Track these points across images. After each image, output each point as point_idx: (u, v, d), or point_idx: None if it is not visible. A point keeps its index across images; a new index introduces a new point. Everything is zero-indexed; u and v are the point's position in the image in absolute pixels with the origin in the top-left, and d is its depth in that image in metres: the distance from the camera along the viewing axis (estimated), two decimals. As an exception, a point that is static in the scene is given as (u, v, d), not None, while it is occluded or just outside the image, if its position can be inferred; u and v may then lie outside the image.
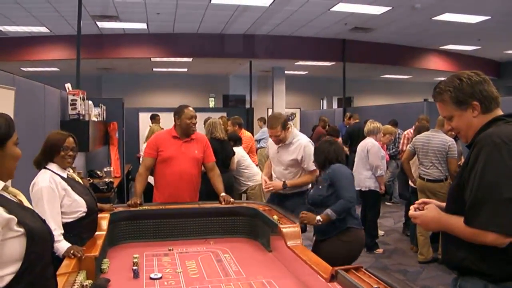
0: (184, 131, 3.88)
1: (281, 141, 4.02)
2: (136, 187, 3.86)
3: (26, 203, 1.61)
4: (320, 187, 3.38)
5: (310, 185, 4.17)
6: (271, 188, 4.08)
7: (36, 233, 1.47)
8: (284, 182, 3.97)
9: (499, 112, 1.79)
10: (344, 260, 3.11)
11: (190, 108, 3.92)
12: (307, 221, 3.14)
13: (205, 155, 3.98)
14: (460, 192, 1.72)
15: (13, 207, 1.47)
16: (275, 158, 4.16)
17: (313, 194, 3.44)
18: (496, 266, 1.66)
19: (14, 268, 1.41)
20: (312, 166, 3.87)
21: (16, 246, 1.42)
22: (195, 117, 3.91)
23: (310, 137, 5.42)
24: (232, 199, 3.71)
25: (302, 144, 3.99)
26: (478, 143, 1.69)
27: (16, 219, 1.42)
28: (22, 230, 1.43)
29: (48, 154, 2.69)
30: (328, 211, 3.14)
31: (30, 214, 1.55)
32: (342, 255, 3.10)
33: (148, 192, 4.30)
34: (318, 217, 3.14)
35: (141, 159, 4.25)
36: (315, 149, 3.54)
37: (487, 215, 1.59)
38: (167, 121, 7.50)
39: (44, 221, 1.61)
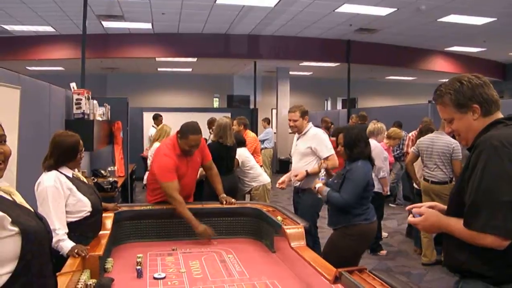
0: (183, 152, 3.63)
1: (298, 129, 4.35)
2: (187, 215, 3.38)
3: (20, 201, 1.60)
4: (335, 181, 3.41)
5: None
6: (298, 179, 4.25)
7: (32, 232, 1.46)
8: (306, 171, 4.20)
9: (500, 115, 1.80)
10: (347, 253, 3.21)
11: (195, 137, 3.55)
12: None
13: (203, 156, 3.90)
14: (461, 195, 1.73)
15: (6, 206, 1.46)
16: (294, 151, 4.49)
17: (331, 184, 3.45)
18: (497, 269, 1.66)
19: (10, 267, 1.41)
20: (327, 153, 4.19)
21: (11, 245, 1.41)
22: (197, 146, 3.61)
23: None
24: (233, 200, 3.69)
25: (314, 133, 4.34)
26: (478, 146, 1.70)
27: (9, 218, 1.41)
28: (16, 229, 1.42)
29: (65, 159, 2.68)
30: (326, 191, 3.34)
31: (25, 212, 1.54)
32: (345, 248, 3.23)
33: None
34: (318, 185, 3.47)
35: (148, 164, 4.12)
36: (354, 139, 3.32)
37: (485, 218, 1.60)
38: (170, 120, 7.54)
39: (41, 219, 1.61)
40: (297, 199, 4.46)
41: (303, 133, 4.37)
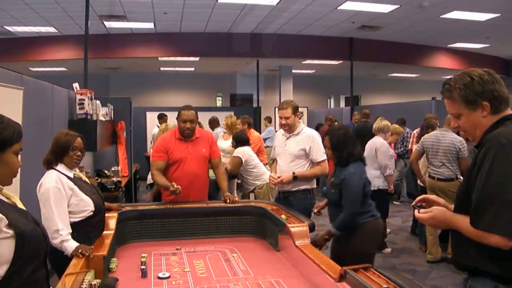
0: (182, 134, 3.80)
1: (289, 127, 3.95)
2: (161, 182, 3.69)
3: (20, 205, 1.60)
4: (332, 191, 3.25)
5: (315, 182, 4.10)
6: (280, 181, 3.83)
7: (27, 236, 1.46)
8: (294, 173, 3.82)
9: (509, 111, 1.77)
10: (359, 254, 2.99)
11: (186, 112, 3.76)
12: (319, 246, 3.06)
13: (211, 151, 3.92)
14: (468, 193, 1.71)
15: (5, 208, 1.46)
16: (281, 152, 4.03)
17: (327, 193, 3.34)
18: (506, 267, 1.64)
19: (1, 271, 1.41)
20: (321, 157, 3.87)
21: (4, 248, 1.41)
22: (190, 121, 3.75)
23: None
24: (237, 199, 3.69)
25: (310, 134, 3.96)
26: (485, 143, 1.67)
27: (6, 220, 1.41)
28: (11, 232, 1.42)
29: (58, 155, 2.69)
30: (331, 228, 3.14)
31: (23, 216, 1.54)
32: (356, 250, 3.07)
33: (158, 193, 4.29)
34: (326, 236, 3.16)
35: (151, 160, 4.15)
36: (341, 140, 3.23)
37: (491, 217, 1.58)
38: (173, 120, 7.52)
39: (38, 224, 1.61)
40: (284, 202, 3.86)
41: (295, 132, 3.96)
